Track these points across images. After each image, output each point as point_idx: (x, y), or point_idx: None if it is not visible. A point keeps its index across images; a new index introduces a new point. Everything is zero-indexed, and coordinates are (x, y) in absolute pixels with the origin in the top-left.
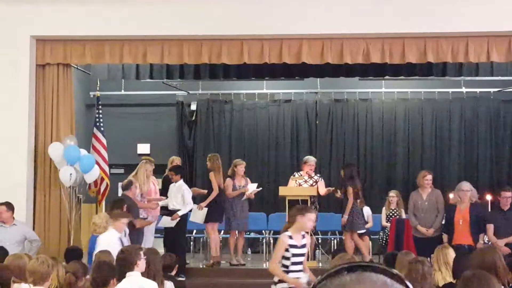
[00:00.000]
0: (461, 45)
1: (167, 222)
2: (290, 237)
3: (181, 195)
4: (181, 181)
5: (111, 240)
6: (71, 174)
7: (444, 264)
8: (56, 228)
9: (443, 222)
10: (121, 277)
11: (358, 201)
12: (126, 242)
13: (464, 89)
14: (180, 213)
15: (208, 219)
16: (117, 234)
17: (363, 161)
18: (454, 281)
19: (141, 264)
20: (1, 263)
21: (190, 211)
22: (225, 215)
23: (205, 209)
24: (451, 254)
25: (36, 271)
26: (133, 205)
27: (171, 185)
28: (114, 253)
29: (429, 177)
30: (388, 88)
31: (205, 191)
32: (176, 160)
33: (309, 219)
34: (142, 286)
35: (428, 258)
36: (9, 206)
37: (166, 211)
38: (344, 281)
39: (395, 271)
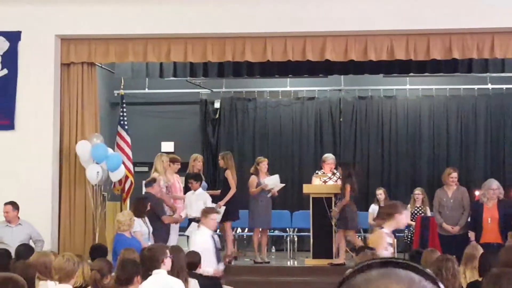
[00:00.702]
0: (487, 41)
1: (194, 229)
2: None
3: (203, 203)
4: (201, 189)
5: (204, 238)
6: (98, 172)
7: (470, 264)
8: (81, 226)
9: (469, 220)
10: (145, 275)
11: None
12: (217, 239)
13: (490, 86)
14: None
15: (225, 218)
16: (209, 232)
17: (387, 159)
18: (480, 279)
19: (168, 262)
20: (26, 260)
21: None
22: (249, 213)
23: (223, 208)
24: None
25: (62, 269)
26: (158, 202)
27: (189, 193)
28: (208, 252)
29: (454, 174)
30: (413, 85)
31: (219, 191)
32: (199, 158)
33: (407, 216)
34: (169, 284)
35: (454, 256)
36: (15, 206)
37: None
38: (370, 276)
39: (428, 270)
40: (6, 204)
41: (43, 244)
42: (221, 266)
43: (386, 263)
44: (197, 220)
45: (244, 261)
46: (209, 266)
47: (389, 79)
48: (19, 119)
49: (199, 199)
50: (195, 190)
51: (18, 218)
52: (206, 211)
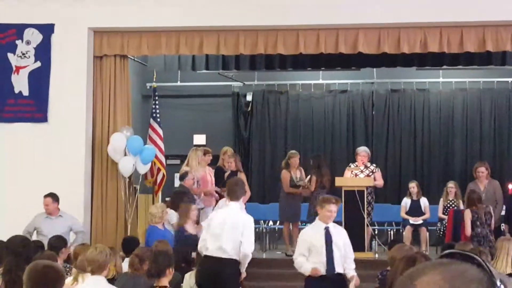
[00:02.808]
0: None
1: None
2: None
3: None
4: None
5: (313, 233)
6: (133, 164)
7: (505, 256)
8: (113, 218)
9: (503, 213)
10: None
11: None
12: (339, 233)
13: None
14: None
15: None
16: (322, 225)
17: (420, 152)
18: None
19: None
20: (46, 252)
21: None
22: (280, 206)
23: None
24: None
25: (95, 260)
26: (190, 196)
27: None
28: (316, 248)
29: (481, 169)
30: (446, 78)
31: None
32: (229, 152)
33: None
34: (240, 218)
35: (487, 249)
36: (55, 197)
37: None
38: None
39: (494, 270)
40: (46, 196)
41: (84, 236)
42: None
43: (463, 256)
44: None
45: (276, 254)
46: (315, 264)
47: (422, 72)
48: (52, 112)
49: None
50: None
51: (59, 209)
52: (323, 200)
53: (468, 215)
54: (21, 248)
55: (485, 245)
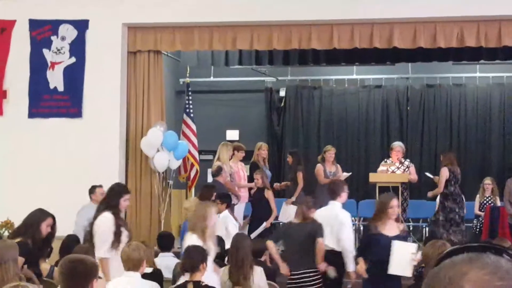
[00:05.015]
0: None
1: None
2: None
3: (225, 228)
4: (226, 212)
5: None
6: (169, 160)
7: None
8: (147, 213)
9: None
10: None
11: None
12: None
13: None
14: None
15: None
16: None
17: (456, 148)
18: None
19: (343, 195)
20: (84, 245)
21: None
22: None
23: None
24: None
25: (130, 258)
26: (224, 191)
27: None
28: None
29: None
30: (483, 73)
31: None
32: (264, 146)
33: None
34: (338, 215)
35: None
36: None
37: None
38: (455, 260)
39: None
40: (99, 186)
41: None
42: None
43: (481, 247)
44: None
45: None
46: None
47: (459, 67)
48: (87, 107)
49: (223, 223)
50: (219, 213)
51: None
52: None
53: (445, 173)
54: None
55: (460, 204)
